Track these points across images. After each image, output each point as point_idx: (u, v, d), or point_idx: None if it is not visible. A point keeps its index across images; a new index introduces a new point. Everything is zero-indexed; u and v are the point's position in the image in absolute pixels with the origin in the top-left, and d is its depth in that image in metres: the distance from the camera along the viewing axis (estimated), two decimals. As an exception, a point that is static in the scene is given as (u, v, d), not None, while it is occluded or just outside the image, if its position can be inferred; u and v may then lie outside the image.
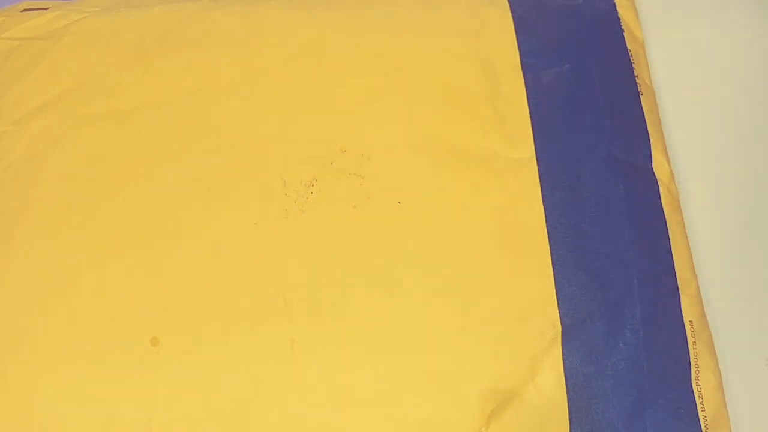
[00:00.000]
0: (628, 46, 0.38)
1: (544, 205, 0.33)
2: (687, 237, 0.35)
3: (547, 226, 0.33)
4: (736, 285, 0.35)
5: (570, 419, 0.30)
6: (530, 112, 0.35)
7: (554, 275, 0.32)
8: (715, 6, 0.42)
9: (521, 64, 0.36)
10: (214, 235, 0.33)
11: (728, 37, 0.41)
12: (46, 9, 0.40)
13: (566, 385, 0.31)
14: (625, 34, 0.38)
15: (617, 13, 0.39)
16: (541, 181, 0.34)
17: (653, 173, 0.35)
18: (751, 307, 0.35)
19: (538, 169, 0.34)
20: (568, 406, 0.30)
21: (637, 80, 0.37)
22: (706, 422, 0.31)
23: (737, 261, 0.36)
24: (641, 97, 0.37)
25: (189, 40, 0.38)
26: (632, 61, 0.38)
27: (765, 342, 0.34)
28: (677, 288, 0.33)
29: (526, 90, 0.36)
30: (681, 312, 0.32)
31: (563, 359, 0.31)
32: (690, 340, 0.32)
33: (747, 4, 0.42)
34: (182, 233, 0.33)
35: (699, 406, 0.31)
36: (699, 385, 0.31)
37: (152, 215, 0.33)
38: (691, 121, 0.39)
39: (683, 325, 0.32)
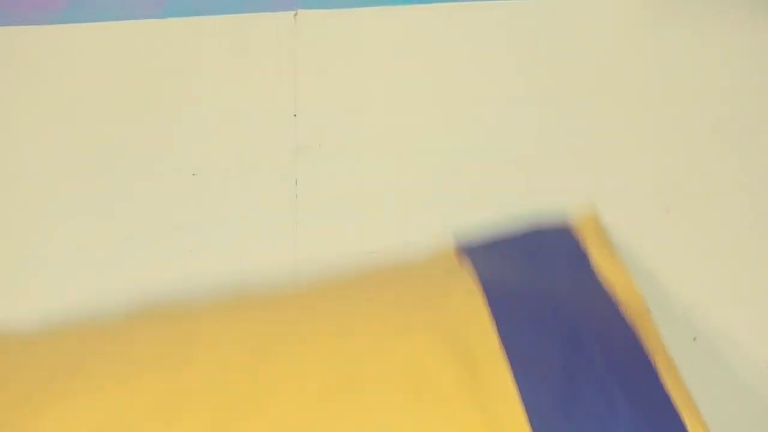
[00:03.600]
0: (626, 317, 0.31)
1: None
2: None
3: None
4: (736, 287, 0.36)
5: None
6: (521, 398, 0.28)
7: None
8: (715, 6, 0.41)
9: (501, 343, 0.29)
10: None
11: (728, 37, 0.41)
12: None
13: None
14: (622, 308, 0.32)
15: (617, 299, 0.32)
16: None
17: None
18: (752, 310, 0.36)
19: None
20: None
21: (643, 343, 0.30)
22: None
23: (737, 262, 0.37)
24: (654, 359, 0.29)
25: (107, 359, 0.32)
26: (634, 328, 0.31)
27: (765, 344, 0.35)
28: None
29: (512, 373, 0.28)
30: None
31: None
32: None
33: (747, 4, 0.41)
34: None
35: None
36: None
37: None
38: (691, 121, 0.39)
39: None
